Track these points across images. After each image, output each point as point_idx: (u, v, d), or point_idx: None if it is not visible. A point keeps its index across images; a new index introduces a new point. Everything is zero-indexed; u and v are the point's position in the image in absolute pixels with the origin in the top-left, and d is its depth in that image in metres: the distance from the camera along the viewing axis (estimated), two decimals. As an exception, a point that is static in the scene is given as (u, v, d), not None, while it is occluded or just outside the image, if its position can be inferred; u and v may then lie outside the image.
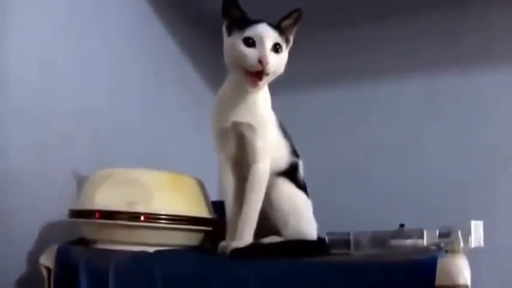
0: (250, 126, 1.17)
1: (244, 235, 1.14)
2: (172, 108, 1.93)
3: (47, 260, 1.21)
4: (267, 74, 1.11)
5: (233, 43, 1.13)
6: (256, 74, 1.11)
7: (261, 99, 1.19)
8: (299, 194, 1.25)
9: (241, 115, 1.17)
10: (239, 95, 1.17)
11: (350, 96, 1.97)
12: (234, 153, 1.21)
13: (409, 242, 1.08)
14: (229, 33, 1.16)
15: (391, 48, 1.92)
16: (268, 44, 1.11)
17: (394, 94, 1.89)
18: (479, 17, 1.80)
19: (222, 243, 1.18)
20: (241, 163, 1.21)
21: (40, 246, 1.28)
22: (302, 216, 1.23)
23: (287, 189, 1.23)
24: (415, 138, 1.84)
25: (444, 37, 1.84)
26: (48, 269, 1.20)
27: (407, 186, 1.77)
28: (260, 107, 1.19)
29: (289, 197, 1.23)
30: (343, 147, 1.94)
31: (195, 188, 1.27)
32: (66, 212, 1.26)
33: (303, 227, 1.22)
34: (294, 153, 1.29)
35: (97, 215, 1.16)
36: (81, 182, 1.36)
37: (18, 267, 1.31)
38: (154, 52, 1.86)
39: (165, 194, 1.20)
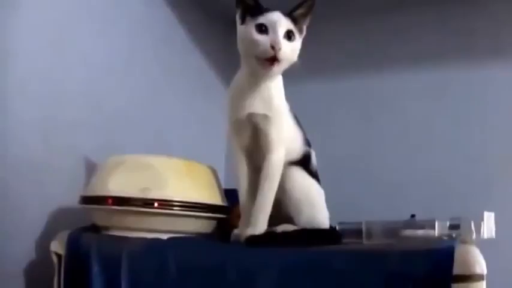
0: (266, 117, 1.17)
1: (259, 223, 1.14)
2: (181, 96, 1.93)
3: (57, 246, 1.21)
4: (279, 61, 1.10)
5: (246, 30, 1.13)
6: (269, 60, 1.10)
7: (276, 89, 1.19)
8: (312, 183, 1.25)
9: (256, 106, 1.16)
10: (253, 86, 1.17)
11: (361, 87, 1.96)
12: (248, 142, 1.21)
13: (420, 232, 1.09)
14: (243, 21, 1.16)
15: (399, 40, 1.91)
16: (281, 31, 1.11)
17: (405, 85, 1.89)
18: (488, 10, 1.80)
19: (236, 231, 1.18)
20: (256, 153, 1.20)
21: (50, 233, 1.28)
22: (315, 206, 1.23)
23: (301, 178, 1.23)
24: (426, 128, 1.83)
25: (452, 30, 1.84)
26: (59, 256, 1.20)
27: (417, 177, 1.77)
28: (275, 98, 1.18)
29: (302, 186, 1.23)
30: (354, 137, 1.93)
31: (209, 175, 1.27)
32: (75, 198, 1.26)
33: (315, 216, 1.22)
34: (307, 142, 1.29)
35: (110, 201, 1.16)
36: (89, 168, 1.36)
37: (28, 254, 1.31)
38: (164, 40, 1.86)
39: (179, 181, 1.19)
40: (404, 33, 1.91)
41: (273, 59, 1.10)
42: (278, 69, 1.13)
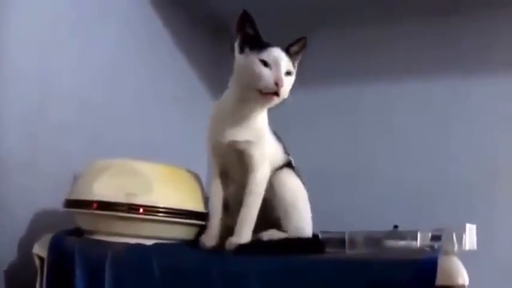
0: (248, 142, 1.21)
1: (243, 233, 1.17)
2: (167, 100, 1.94)
3: (40, 249, 1.20)
4: (279, 96, 1.15)
5: (249, 62, 1.16)
6: (270, 93, 1.15)
7: (261, 117, 1.24)
8: (301, 187, 1.29)
9: (240, 134, 1.21)
10: (240, 113, 1.21)
11: (347, 99, 1.99)
12: (228, 163, 1.25)
13: (402, 243, 1.10)
14: (241, 50, 1.19)
15: (386, 51, 1.94)
16: (283, 68, 1.15)
17: (391, 96, 1.92)
18: (474, 23, 1.84)
19: (202, 238, 1.22)
20: (238, 170, 1.24)
21: (33, 236, 1.27)
22: (302, 210, 1.27)
23: (290, 179, 1.27)
24: (411, 140, 1.87)
25: (442, 41, 1.87)
26: (41, 259, 1.19)
27: (401, 188, 1.80)
28: (258, 122, 1.23)
29: (292, 189, 1.27)
30: (339, 148, 1.96)
31: (193, 182, 1.28)
32: (59, 201, 1.25)
33: (301, 220, 1.26)
34: (286, 151, 1.34)
35: (95, 205, 1.16)
36: (74, 171, 1.35)
37: (10, 257, 1.30)
38: (151, 44, 1.87)
39: (164, 187, 1.20)
40: (391, 45, 1.95)
41: (274, 93, 1.14)
42: (277, 101, 1.18)
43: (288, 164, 1.32)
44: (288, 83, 1.17)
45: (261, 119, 1.24)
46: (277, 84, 1.13)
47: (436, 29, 1.89)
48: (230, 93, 1.23)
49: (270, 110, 1.26)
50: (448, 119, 1.83)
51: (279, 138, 1.33)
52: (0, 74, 1.29)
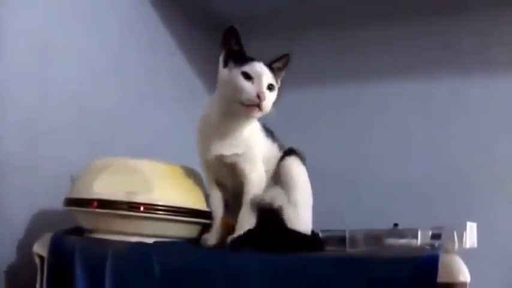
0: (237, 155, 1.21)
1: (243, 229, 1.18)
2: (165, 99, 1.95)
3: (40, 248, 1.20)
4: (261, 109, 1.15)
5: (231, 75, 1.17)
6: (253, 105, 1.15)
7: (247, 128, 1.23)
8: (307, 183, 1.28)
9: (226, 148, 1.21)
10: (225, 126, 1.21)
11: (346, 97, 2.00)
12: (221, 173, 1.26)
13: (403, 241, 1.11)
14: (225, 64, 1.20)
15: (385, 51, 1.95)
16: (265, 82, 1.16)
17: (391, 95, 1.93)
18: (473, 22, 1.85)
19: (204, 236, 1.23)
20: (231, 180, 1.25)
21: (33, 235, 1.27)
22: (306, 206, 1.26)
23: (298, 167, 1.26)
24: (410, 139, 1.88)
25: (440, 41, 1.88)
26: (42, 258, 1.19)
27: (401, 187, 1.80)
28: (245, 134, 1.23)
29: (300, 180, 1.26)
30: (338, 147, 1.97)
31: (193, 180, 1.28)
32: (58, 200, 1.25)
33: (305, 216, 1.25)
34: (282, 149, 1.32)
35: (95, 204, 1.16)
36: (73, 170, 1.35)
37: (11, 256, 1.31)
38: (149, 44, 1.87)
39: (164, 185, 1.20)
40: (389, 44, 1.95)
41: (257, 105, 1.15)
42: (259, 114, 1.18)
43: None
44: (270, 97, 1.17)
45: (248, 130, 1.23)
46: (259, 97, 1.14)
47: (436, 29, 1.90)
48: (215, 106, 1.23)
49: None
50: (447, 118, 1.84)
51: (274, 138, 1.32)
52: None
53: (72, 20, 1.52)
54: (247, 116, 1.19)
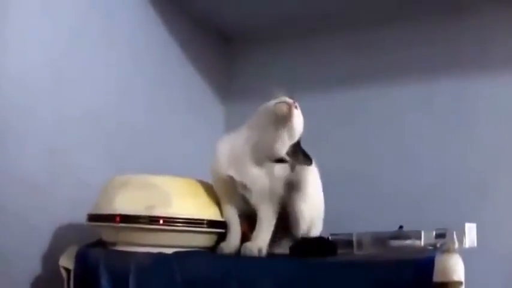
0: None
1: (259, 238, 1.27)
2: (179, 113, 2.00)
3: (66, 261, 1.27)
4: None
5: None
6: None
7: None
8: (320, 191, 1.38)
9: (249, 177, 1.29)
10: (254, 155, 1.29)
11: (352, 101, 2.02)
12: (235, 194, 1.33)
13: (407, 242, 1.16)
14: None
15: (389, 54, 1.98)
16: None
17: (394, 97, 1.95)
18: (475, 23, 1.87)
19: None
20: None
21: (57, 250, 1.34)
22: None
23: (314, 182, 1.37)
24: (415, 141, 1.90)
25: (441, 43, 1.90)
26: (68, 271, 1.26)
27: (405, 190, 1.84)
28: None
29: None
30: (345, 150, 1.99)
31: (209, 192, 1.35)
32: (79, 215, 1.32)
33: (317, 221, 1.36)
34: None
35: (117, 219, 1.23)
36: (93, 186, 1.42)
37: (36, 271, 1.37)
38: (161, 57, 1.93)
39: (182, 199, 1.27)
40: (394, 47, 1.98)
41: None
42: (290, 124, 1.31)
43: None
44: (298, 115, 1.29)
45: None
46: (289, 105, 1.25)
47: (435, 32, 1.92)
48: (245, 132, 1.32)
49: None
50: (451, 120, 1.85)
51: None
52: (17, 96, 1.35)
53: (87, 38, 1.57)
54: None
